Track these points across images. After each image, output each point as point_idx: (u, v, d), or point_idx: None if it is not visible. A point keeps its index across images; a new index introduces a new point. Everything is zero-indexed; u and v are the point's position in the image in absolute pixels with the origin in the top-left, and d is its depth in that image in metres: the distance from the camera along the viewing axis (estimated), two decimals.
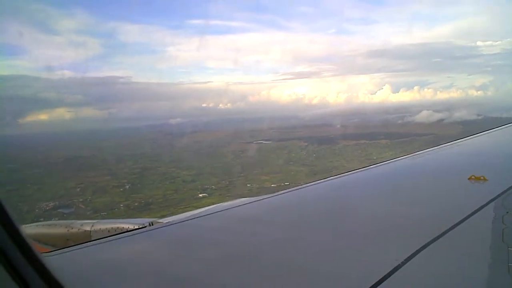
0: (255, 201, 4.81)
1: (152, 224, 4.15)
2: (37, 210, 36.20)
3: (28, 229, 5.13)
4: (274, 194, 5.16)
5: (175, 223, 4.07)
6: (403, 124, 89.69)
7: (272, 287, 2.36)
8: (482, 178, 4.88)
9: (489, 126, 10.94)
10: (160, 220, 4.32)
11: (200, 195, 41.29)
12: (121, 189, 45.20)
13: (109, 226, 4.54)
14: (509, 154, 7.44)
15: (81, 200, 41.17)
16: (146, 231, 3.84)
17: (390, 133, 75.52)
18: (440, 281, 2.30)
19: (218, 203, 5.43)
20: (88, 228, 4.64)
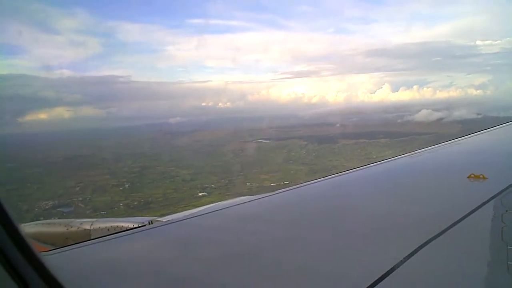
0: (254, 199, 4.80)
1: (152, 223, 4.15)
2: (36, 209, 36.15)
3: (28, 228, 5.13)
4: (274, 192, 5.16)
5: (175, 222, 4.07)
6: (402, 123, 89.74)
7: (272, 286, 2.36)
8: (481, 176, 4.88)
9: (488, 125, 10.93)
10: (160, 219, 4.32)
11: (200, 194, 41.29)
12: (121, 188, 45.19)
13: (108, 224, 4.54)
14: (508, 153, 7.44)
15: (80, 199, 41.13)
16: (146, 229, 3.84)
17: (389, 132, 75.58)
18: (440, 279, 2.30)
19: (218, 202, 5.43)
20: (87, 227, 4.64)
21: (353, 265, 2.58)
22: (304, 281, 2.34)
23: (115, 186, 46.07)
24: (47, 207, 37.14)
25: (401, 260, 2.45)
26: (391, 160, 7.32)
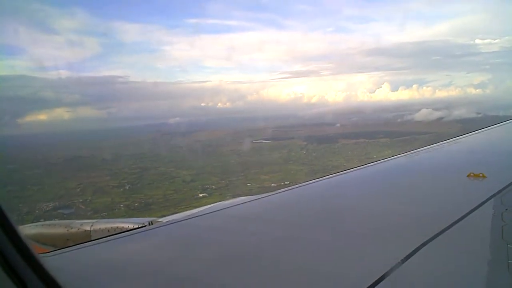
0: (254, 199, 4.80)
1: (152, 224, 4.15)
2: (37, 211, 36.13)
3: (28, 229, 5.12)
4: (274, 192, 5.16)
5: (175, 222, 4.07)
6: (402, 123, 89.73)
7: (273, 286, 2.36)
8: (481, 175, 4.88)
9: (488, 124, 10.93)
10: (160, 219, 4.31)
11: (200, 195, 41.25)
12: (121, 189, 45.17)
13: (109, 225, 4.54)
14: (507, 151, 7.44)
15: (81, 200, 41.11)
16: (146, 230, 3.84)
17: (389, 132, 75.59)
18: (440, 278, 2.29)
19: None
20: (87, 228, 4.63)
21: (354, 264, 2.57)
22: (304, 281, 2.34)
23: (115, 187, 46.07)
24: (47, 209, 37.10)
25: (402, 259, 2.45)
26: (391, 159, 7.31)
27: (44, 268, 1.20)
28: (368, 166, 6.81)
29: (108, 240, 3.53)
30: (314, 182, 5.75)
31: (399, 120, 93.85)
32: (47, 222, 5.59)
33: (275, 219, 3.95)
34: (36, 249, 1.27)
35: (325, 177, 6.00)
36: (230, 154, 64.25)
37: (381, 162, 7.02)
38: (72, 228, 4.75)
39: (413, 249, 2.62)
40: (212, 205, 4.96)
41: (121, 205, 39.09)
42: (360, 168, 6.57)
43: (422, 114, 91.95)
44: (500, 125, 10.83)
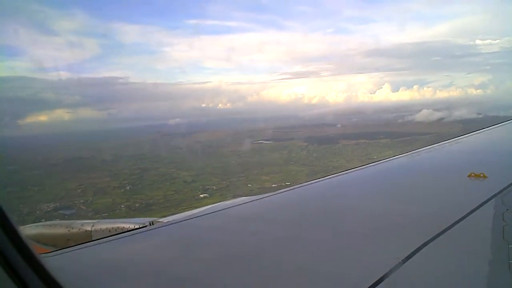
0: (255, 199, 4.80)
1: (153, 224, 4.15)
2: (38, 212, 36.16)
3: (29, 230, 5.13)
4: (274, 192, 5.15)
5: (176, 223, 4.07)
6: (403, 123, 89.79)
7: (273, 286, 2.36)
8: (482, 175, 4.88)
9: (489, 125, 10.92)
10: (161, 220, 4.31)
11: (201, 195, 41.27)
12: (122, 190, 45.20)
13: (109, 226, 4.54)
14: (508, 151, 7.43)
15: (82, 201, 41.14)
16: (147, 230, 3.84)
17: (390, 132, 75.58)
18: (441, 278, 2.29)
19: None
20: (88, 228, 4.64)
21: (355, 265, 2.57)
22: (305, 281, 2.34)
23: (116, 188, 46.09)
24: (48, 210, 37.13)
25: (403, 259, 2.45)
26: (392, 159, 7.31)
27: (45, 268, 1.21)
28: (369, 166, 6.80)
29: (109, 240, 3.53)
30: (314, 182, 5.74)
31: (399, 120, 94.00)
32: (48, 223, 5.60)
33: (276, 219, 3.95)
34: (37, 249, 1.28)
35: (325, 177, 5.99)
36: (231, 155, 64.29)
37: (382, 162, 7.01)
38: (73, 229, 4.76)
39: (414, 249, 2.61)
40: (212, 205, 4.96)
41: (122, 206, 39.11)
42: (360, 168, 6.56)
43: (423, 115, 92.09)
44: (500, 126, 10.82)
